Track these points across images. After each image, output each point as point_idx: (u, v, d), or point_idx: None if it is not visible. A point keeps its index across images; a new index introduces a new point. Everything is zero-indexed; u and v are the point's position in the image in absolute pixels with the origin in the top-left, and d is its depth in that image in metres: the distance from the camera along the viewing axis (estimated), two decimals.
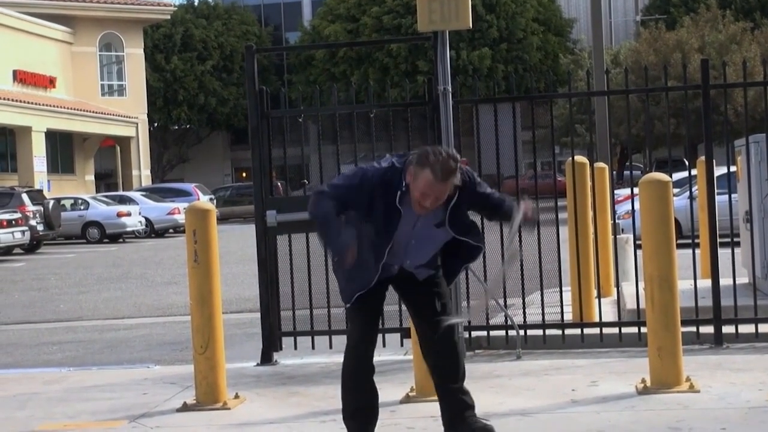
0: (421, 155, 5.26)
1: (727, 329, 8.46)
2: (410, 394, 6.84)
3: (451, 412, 5.63)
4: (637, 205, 7.55)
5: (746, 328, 8.50)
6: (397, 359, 8.26)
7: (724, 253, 8.65)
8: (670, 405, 6.25)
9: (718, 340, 8.42)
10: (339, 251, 5.31)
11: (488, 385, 7.15)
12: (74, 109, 44.86)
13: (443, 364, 5.59)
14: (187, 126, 61.57)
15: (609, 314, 9.64)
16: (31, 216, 29.53)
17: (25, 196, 30.46)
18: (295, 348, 8.78)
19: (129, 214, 34.75)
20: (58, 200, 33.20)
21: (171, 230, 37.28)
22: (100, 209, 34.85)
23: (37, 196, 31.59)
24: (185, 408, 6.86)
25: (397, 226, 5.32)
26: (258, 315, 8.99)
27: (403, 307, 5.90)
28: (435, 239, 5.48)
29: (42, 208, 30.40)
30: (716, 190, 8.83)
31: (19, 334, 12.58)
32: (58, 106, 43.53)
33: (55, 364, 9.81)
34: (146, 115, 51.14)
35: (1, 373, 9.11)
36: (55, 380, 8.30)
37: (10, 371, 9.29)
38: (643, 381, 6.75)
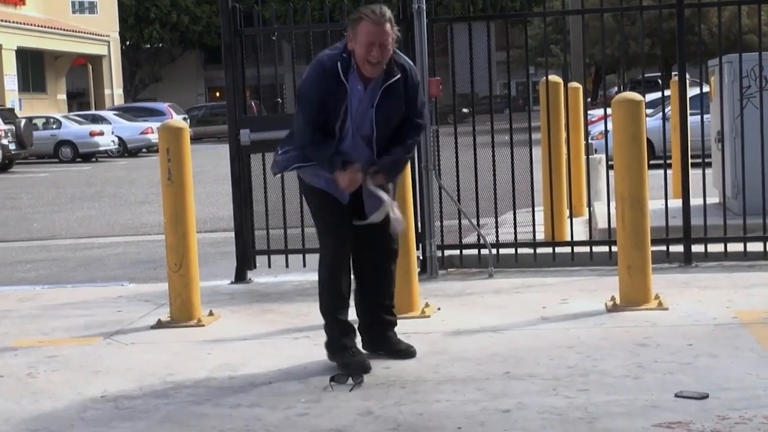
0: (351, 16, 5.38)
1: (697, 248, 8.54)
2: None
3: (376, 330, 5.69)
4: (610, 125, 7.58)
5: (715, 248, 8.59)
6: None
7: (695, 174, 8.71)
8: (638, 322, 6.35)
9: (688, 259, 8.51)
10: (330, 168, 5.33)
11: (460, 302, 7.24)
12: (45, 27, 44.27)
13: (379, 282, 5.65)
14: (160, 45, 60.90)
15: (580, 233, 9.71)
16: (3, 135, 29.31)
17: None
18: (269, 266, 8.82)
19: (102, 134, 34.52)
20: (29, 119, 32.91)
21: (144, 150, 37.11)
22: (73, 128, 34.60)
23: (8, 115, 31.29)
24: (160, 325, 6.91)
25: (347, 103, 5.30)
26: (232, 234, 9.01)
27: None
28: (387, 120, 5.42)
29: (14, 127, 30.15)
30: (689, 111, 8.85)
31: None
32: (28, 24, 42.92)
33: (29, 282, 9.82)
34: (118, 34, 50.55)
35: None
36: (29, 298, 8.32)
37: None
38: (613, 299, 6.85)
